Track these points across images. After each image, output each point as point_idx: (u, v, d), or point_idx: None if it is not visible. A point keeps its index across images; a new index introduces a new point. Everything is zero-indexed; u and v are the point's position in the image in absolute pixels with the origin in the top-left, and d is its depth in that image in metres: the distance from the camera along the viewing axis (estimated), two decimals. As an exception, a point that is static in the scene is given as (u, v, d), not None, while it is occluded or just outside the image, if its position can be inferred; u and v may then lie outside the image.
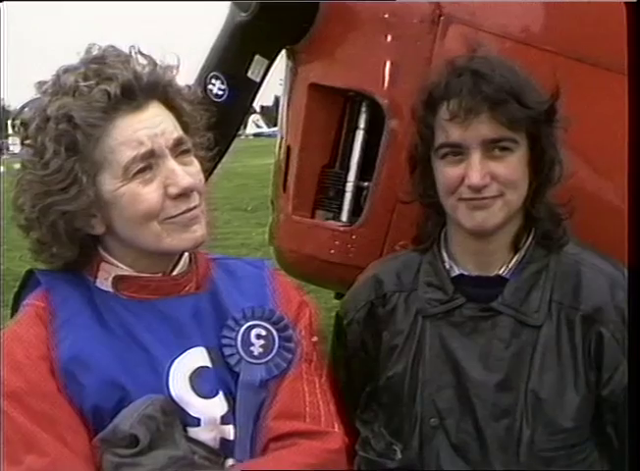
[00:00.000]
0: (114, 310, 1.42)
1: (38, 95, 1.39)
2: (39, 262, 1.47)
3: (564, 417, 1.57)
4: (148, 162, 1.37)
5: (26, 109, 1.40)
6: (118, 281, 1.44)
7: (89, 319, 1.41)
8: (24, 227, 1.42)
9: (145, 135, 1.36)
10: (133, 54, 1.41)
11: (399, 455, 1.66)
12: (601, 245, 1.67)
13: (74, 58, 1.40)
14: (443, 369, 1.63)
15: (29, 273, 1.48)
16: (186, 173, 1.39)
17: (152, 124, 1.38)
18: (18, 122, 1.42)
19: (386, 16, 2.16)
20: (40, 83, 1.40)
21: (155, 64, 1.42)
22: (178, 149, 1.40)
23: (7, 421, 1.30)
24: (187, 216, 1.40)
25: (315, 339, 1.57)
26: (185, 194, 1.39)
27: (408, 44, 2.13)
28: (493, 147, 1.54)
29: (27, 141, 1.38)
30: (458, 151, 1.56)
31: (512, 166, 1.56)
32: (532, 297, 1.61)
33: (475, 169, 1.53)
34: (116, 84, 1.34)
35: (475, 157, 1.54)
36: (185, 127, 1.45)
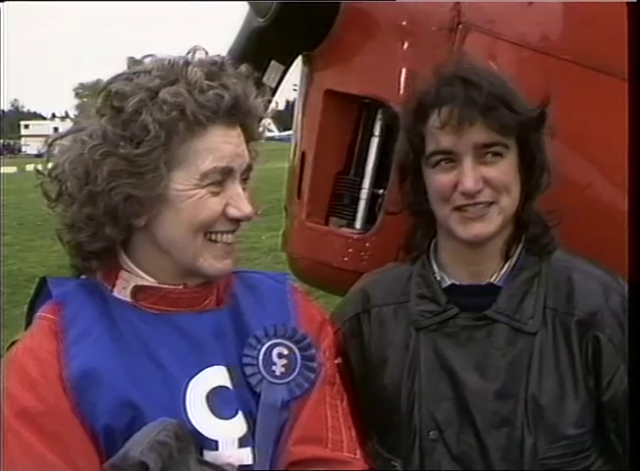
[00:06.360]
0: (130, 322, 1.39)
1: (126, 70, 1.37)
2: (72, 241, 1.41)
3: (566, 424, 1.56)
4: (223, 177, 1.38)
5: (116, 82, 1.36)
6: (137, 291, 1.41)
7: (104, 332, 1.37)
8: (66, 201, 1.38)
9: (231, 152, 1.38)
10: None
11: None
12: (619, 256, 1.65)
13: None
14: (439, 381, 1.62)
15: (43, 281, 1.43)
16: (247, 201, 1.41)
17: (237, 143, 1.40)
18: (108, 91, 1.35)
19: (403, 23, 2.14)
20: (134, 61, 1.39)
21: (254, 93, 1.43)
22: (244, 175, 1.43)
23: (16, 440, 1.25)
24: (227, 248, 1.41)
25: (338, 360, 1.54)
26: (239, 221, 1.41)
27: (425, 52, 2.11)
28: (485, 153, 1.56)
29: (110, 112, 1.34)
30: (450, 158, 1.57)
31: (504, 170, 1.57)
32: (526, 304, 1.60)
33: (468, 174, 1.54)
34: (229, 95, 1.35)
35: (467, 163, 1.55)
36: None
